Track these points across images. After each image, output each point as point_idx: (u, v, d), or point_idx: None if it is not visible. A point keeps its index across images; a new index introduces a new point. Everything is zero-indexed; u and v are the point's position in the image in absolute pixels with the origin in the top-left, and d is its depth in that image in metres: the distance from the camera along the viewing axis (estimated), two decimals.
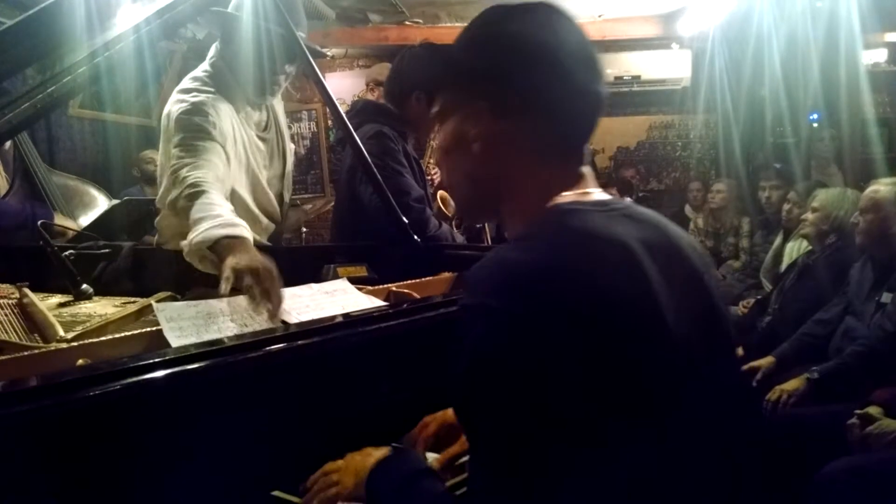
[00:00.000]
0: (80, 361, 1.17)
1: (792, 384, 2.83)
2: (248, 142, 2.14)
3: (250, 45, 2.05)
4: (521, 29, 0.98)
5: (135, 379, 1.01)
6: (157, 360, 1.06)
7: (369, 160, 2.14)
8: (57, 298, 1.79)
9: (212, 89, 2.05)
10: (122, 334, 1.28)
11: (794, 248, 3.97)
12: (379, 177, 2.13)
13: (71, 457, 0.95)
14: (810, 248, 3.60)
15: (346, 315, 1.42)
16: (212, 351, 1.14)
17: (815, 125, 5.81)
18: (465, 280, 0.89)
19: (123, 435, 1.00)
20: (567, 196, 0.97)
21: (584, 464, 0.81)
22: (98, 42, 1.72)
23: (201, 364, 1.10)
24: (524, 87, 0.96)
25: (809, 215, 3.45)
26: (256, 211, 2.17)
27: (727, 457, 0.97)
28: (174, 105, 2.01)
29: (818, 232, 3.40)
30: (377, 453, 1.13)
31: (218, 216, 1.66)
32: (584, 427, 0.80)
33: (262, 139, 2.21)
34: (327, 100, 2.11)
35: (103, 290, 1.86)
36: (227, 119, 2.03)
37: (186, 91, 2.04)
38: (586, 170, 1.01)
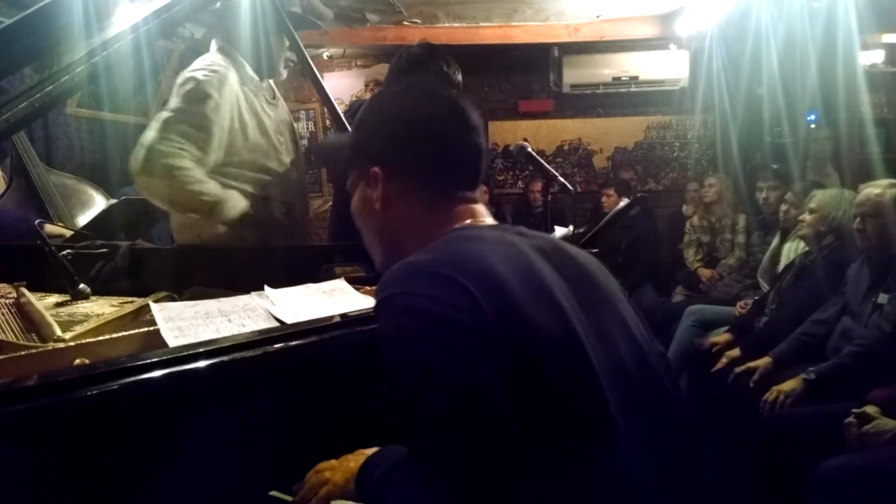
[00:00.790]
0: (78, 361, 1.17)
1: (789, 384, 2.83)
2: (261, 109, 2.28)
3: (248, 29, 2.16)
4: (396, 107, 1.21)
5: (132, 378, 1.01)
6: (154, 359, 1.06)
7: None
8: (54, 298, 1.79)
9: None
10: (120, 334, 1.28)
11: (792, 249, 3.97)
12: None
13: (68, 456, 0.95)
14: (807, 248, 3.60)
15: (343, 315, 1.42)
16: (209, 351, 1.14)
17: (813, 125, 5.82)
18: (377, 286, 1.01)
19: (120, 434, 1.01)
20: (463, 223, 1.15)
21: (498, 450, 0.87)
22: (96, 41, 1.72)
23: (199, 364, 1.11)
24: (404, 152, 1.16)
25: (807, 216, 3.45)
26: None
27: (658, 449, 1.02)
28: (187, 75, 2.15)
29: (815, 233, 3.40)
30: (369, 452, 1.17)
31: None
32: (490, 397, 0.88)
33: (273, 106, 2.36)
34: (325, 99, 2.11)
35: (100, 290, 1.86)
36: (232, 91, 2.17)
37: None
38: (480, 207, 1.19)
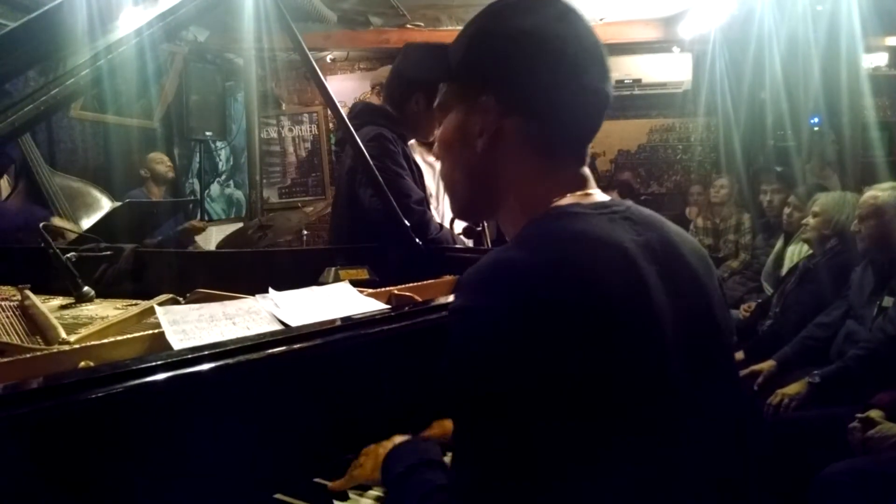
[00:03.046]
0: (83, 364, 1.16)
1: (793, 388, 2.83)
2: None
3: None
4: (532, 23, 0.95)
5: (137, 381, 1.01)
6: (159, 362, 1.06)
7: (370, 162, 2.14)
8: (58, 300, 1.79)
9: None
10: (125, 336, 1.28)
11: (796, 252, 3.97)
12: (380, 179, 2.13)
13: (73, 459, 0.95)
14: (811, 251, 3.60)
15: (347, 318, 1.42)
16: (214, 354, 1.14)
17: (816, 129, 5.82)
18: (458, 283, 0.88)
19: (125, 437, 1.00)
20: (568, 198, 0.95)
21: (569, 470, 0.78)
22: (100, 45, 1.72)
23: (203, 367, 1.10)
24: (533, 83, 0.94)
25: (810, 220, 3.45)
26: None
27: (724, 465, 0.95)
28: None
29: (819, 236, 3.40)
30: (398, 440, 1.13)
31: None
32: (567, 432, 0.77)
33: None
34: (328, 101, 2.10)
35: (105, 293, 1.86)
36: None
37: None
38: (587, 171, 1.00)
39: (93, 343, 1.23)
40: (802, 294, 3.38)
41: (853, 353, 2.77)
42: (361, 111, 2.61)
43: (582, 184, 0.98)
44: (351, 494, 1.19)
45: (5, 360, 1.11)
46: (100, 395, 0.96)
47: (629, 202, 0.99)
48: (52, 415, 0.92)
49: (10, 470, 0.88)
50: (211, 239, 5.29)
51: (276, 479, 1.18)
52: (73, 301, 1.76)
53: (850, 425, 2.37)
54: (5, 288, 1.83)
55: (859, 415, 2.38)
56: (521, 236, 0.92)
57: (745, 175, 5.69)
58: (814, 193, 3.69)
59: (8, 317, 1.61)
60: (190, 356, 1.11)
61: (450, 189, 1.06)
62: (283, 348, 1.22)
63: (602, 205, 0.95)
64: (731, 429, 0.96)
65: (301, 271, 1.88)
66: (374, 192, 2.23)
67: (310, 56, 2.04)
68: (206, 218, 6.07)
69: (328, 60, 6.83)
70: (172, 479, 1.04)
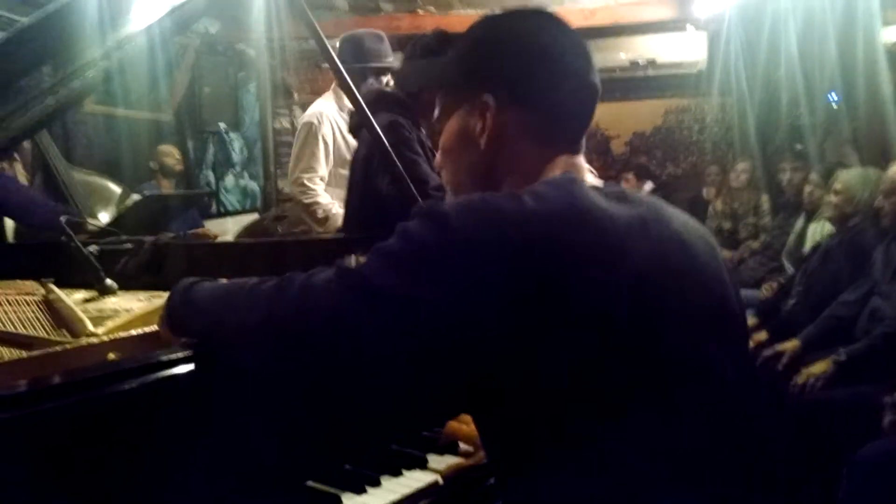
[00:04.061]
0: (111, 356, 1.16)
1: (819, 367, 2.80)
2: None
3: None
4: (522, 27, 1.06)
5: (169, 373, 1.00)
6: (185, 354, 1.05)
7: (389, 148, 2.12)
8: (81, 294, 1.79)
9: None
10: (151, 328, 1.28)
11: (817, 230, 3.92)
12: (399, 165, 2.11)
13: (107, 451, 0.94)
14: (833, 229, 3.55)
15: None
16: None
17: (834, 106, 5.74)
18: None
19: (156, 429, 1.00)
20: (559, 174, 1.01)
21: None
22: (113, 39, 1.72)
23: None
24: (527, 78, 1.02)
25: (832, 198, 3.39)
26: None
27: (724, 432, 0.94)
28: None
29: (841, 214, 3.35)
30: None
31: None
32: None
33: None
34: (345, 88, 2.09)
35: (126, 285, 1.86)
36: None
37: None
38: (582, 160, 1.06)
39: (121, 335, 1.23)
40: (825, 273, 3.33)
41: (880, 331, 2.74)
42: (375, 98, 2.59)
43: (579, 170, 1.04)
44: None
45: (35, 353, 1.11)
46: (133, 386, 0.96)
47: (624, 187, 1.05)
48: (86, 407, 0.91)
49: (42, 464, 0.88)
50: (228, 230, 5.31)
51: (310, 467, 1.17)
52: (95, 294, 1.76)
53: (883, 409, 2.33)
54: (27, 283, 1.83)
55: (888, 398, 2.34)
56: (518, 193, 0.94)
57: (760, 154, 5.62)
58: (834, 171, 3.64)
59: (33, 311, 1.61)
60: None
61: (455, 191, 1.10)
62: None
63: (595, 186, 0.99)
64: (728, 397, 0.96)
65: (321, 260, 1.87)
66: (392, 180, 2.22)
67: (326, 42, 2.02)
68: (222, 209, 6.08)
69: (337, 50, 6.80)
70: (204, 468, 1.04)
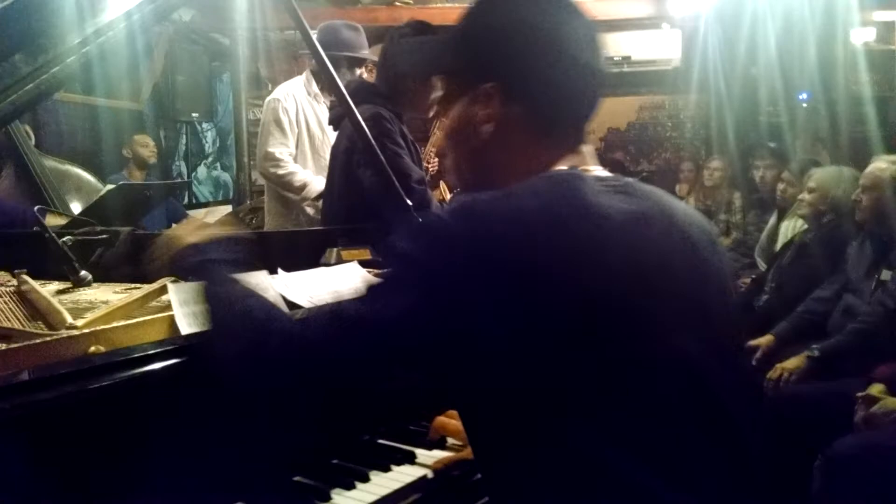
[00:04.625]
0: (93, 349, 1.14)
1: (793, 362, 2.84)
2: None
3: None
4: (526, 9, 1.01)
5: (157, 365, 0.98)
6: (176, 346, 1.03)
7: (372, 141, 2.10)
8: (55, 285, 1.75)
9: None
10: (133, 320, 1.25)
11: (790, 227, 3.97)
12: (382, 158, 2.10)
13: (95, 445, 0.92)
14: (806, 226, 3.60)
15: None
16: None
17: (804, 104, 5.82)
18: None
19: (144, 423, 0.98)
20: (564, 168, 1.00)
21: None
22: (92, 25, 1.68)
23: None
24: (532, 65, 0.99)
25: (806, 195, 3.43)
26: None
27: (715, 428, 0.94)
28: None
29: (815, 211, 3.39)
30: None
31: None
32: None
33: None
34: (329, 79, 2.07)
35: (101, 277, 1.82)
36: None
37: None
38: (587, 148, 1.04)
39: (103, 327, 1.20)
40: (798, 269, 3.38)
41: (852, 327, 2.78)
42: (357, 89, 2.57)
43: (583, 160, 1.02)
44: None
45: (16, 345, 1.08)
46: (118, 380, 0.94)
47: (630, 179, 1.02)
48: (76, 400, 0.89)
49: (30, 459, 0.85)
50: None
51: (295, 462, 1.16)
52: (70, 286, 1.72)
53: (856, 405, 2.37)
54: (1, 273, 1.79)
55: (860, 393, 2.38)
56: (515, 190, 0.94)
57: (735, 151, 5.68)
58: (808, 169, 3.68)
59: (5, 302, 1.57)
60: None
61: (459, 180, 1.11)
62: None
63: (600, 178, 0.99)
64: (725, 396, 0.95)
65: (301, 252, 1.85)
66: (374, 172, 2.20)
67: (309, 30, 2.00)
68: (194, 201, 6.00)
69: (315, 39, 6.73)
70: (188, 461, 1.02)
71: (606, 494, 0.85)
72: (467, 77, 1.03)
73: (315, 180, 3.15)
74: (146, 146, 4.80)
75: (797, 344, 2.99)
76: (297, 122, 3.30)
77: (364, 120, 2.31)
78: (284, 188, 3.25)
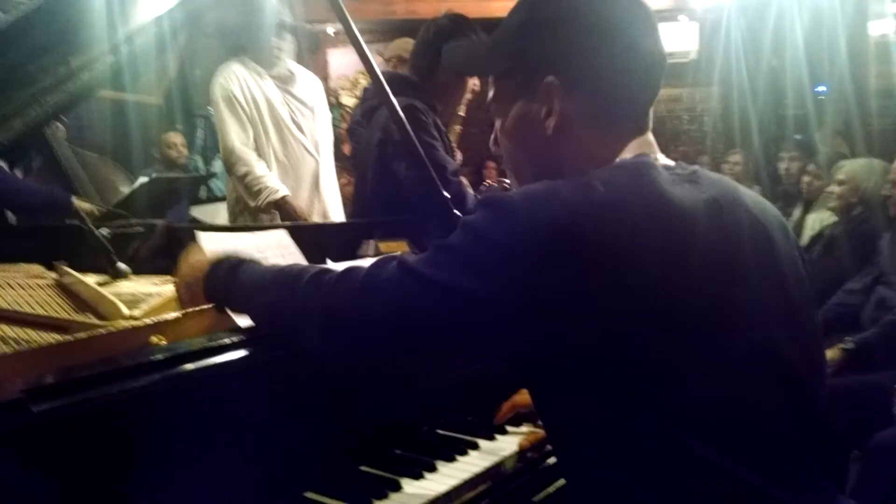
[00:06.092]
0: (154, 339, 1.12)
1: (827, 355, 2.81)
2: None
3: None
4: (577, 3, 0.99)
5: (225, 357, 0.97)
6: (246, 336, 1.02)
7: (411, 133, 2.08)
8: (91, 278, 1.74)
9: None
10: (191, 309, 1.23)
11: (817, 220, 3.94)
12: (421, 150, 2.08)
13: (175, 431, 0.92)
14: (834, 219, 3.57)
15: None
16: None
17: (822, 97, 5.78)
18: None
19: (216, 410, 0.97)
20: (630, 157, 0.98)
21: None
22: (124, 31, 1.68)
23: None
24: (593, 57, 0.96)
25: (836, 188, 3.40)
26: None
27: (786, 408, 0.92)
28: None
29: (845, 204, 3.36)
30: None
31: None
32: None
33: None
34: (370, 70, 2.05)
35: (138, 269, 1.81)
36: None
37: None
38: (651, 137, 1.03)
39: (163, 317, 1.19)
40: (829, 262, 3.35)
41: (888, 319, 2.75)
42: (390, 81, 2.55)
43: (649, 148, 1.01)
44: None
45: (83, 335, 1.07)
46: (197, 369, 0.93)
47: (696, 167, 1.00)
48: (160, 388, 0.89)
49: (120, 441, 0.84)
50: (218, 216, 5.22)
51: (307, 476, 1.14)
52: (107, 279, 1.71)
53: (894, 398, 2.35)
54: (32, 266, 1.78)
55: None
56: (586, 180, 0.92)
57: (756, 144, 5.64)
58: (835, 161, 3.65)
59: (48, 294, 1.56)
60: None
61: (518, 179, 1.08)
62: None
63: (667, 166, 0.97)
64: (800, 387, 0.94)
65: (333, 245, 1.84)
66: (410, 165, 2.19)
67: (352, 24, 1.98)
68: (211, 195, 5.98)
69: (330, 33, 6.71)
70: (258, 451, 1.02)
71: (682, 475, 0.85)
72: (524, 74, 1.01)
73: (274, 187, 2.93)
74: (174, 147, 4.74)
75: (831, 336, 2.95)
76: (247, 103, 3.01)
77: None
78: (242, 188, 2.99)
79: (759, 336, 0.90)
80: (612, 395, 0.86)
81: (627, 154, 0.98)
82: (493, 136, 1.10)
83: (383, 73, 2.66)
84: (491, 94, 1.08)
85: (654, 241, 0.85)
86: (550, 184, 0.90)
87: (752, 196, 1.01)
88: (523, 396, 1.29)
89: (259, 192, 2.91)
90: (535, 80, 0.98)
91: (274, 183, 2.92)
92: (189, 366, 0.95)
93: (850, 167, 3.40)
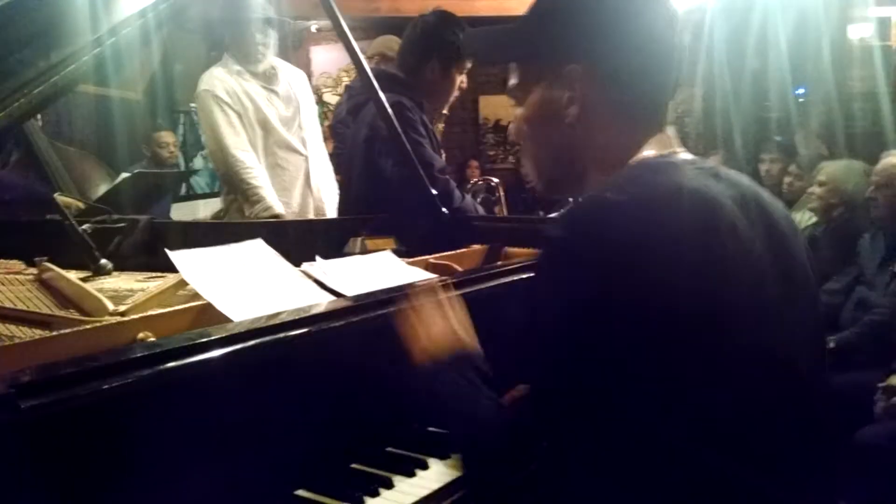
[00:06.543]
0: (141, 335, 1.11)
1: None
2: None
3: None
4: None
5: (218, 352, 0.96)
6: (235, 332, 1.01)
7: (398, 129, 2.07)
8: (72, 274, 1.71)
9: None
10: (179, 307, 1.22)
11: (798, 221, 3.98)
12: (408, 147, 2.07)
13: (159, 428, 0.90)
14: (814, 220, 3.60)
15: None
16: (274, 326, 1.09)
17: (801, 100, 5.83)
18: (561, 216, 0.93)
19: (205, 408, 0.95)
20: (654, 154, 0.97)
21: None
22: (107, 23, 1.66)
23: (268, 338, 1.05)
24: (618, 45, 0.95)
25: (817, 189, 3.43)
26: None
27: (801, 407, 0.93)
28: None
29: (826, 205, 3.39)
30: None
31: None
32: (624, 372, 0.82)
33: None
34: (359, 68, 2.04)
35: (120, 265, 1.78)
36: None
37: None
38: (671, 131, 1.02)
39: (149, 313, 1.17)
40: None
41: (868, 319, 2.79)
42: (377, 78, 2.53)
43: (667, 143, 0.99)
44: None
45: (68, 331, 1.05)
46: (182, 365, 0.91)
47: (713, 161, 1.02)
48: (146, 386, 0.87)
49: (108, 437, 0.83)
50: (198, 213, 5.17)
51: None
52: (89, 274, 1.69)
53: (875, 396, 2.38)
54: (12, 262, 1.75)
55: (881, 384, 2.39)
56: (618, 183, 0.92)
57: (739, 146, 5.69)
58: (816, 163, 3.69)
59: (29, 290, 1.54)
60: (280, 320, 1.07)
61: (535, 167, 1.06)
62: (365, 316, 1.17)
63: (690, 161, 0.97)
64: (811, 373, 0.95)
65: (323, 242, 1.83)
66: (397, 162, 2.18)
67: (341, 18, 1.97)
68: (191, 192, 5.94)
69: (313, 30, 6.68)
70: (248, 448, 1.01)
71: (683, 475, 0.84)
72: (547, 60, 0.99)
73: (270, 204, 2.88)
74: (166, 146, 4.69)
75: None
76: (235, 105, 2.95)
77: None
78: (243, 197, 2.92)
79: (764, 337, 0.89)
80: (613, 395, 0.85)
81: (649, 149, 0.97)
82: (510, 125, 1.09)
83: (372, 69, 2.66)
84: (512, 81, 1.06)
85: (696, 254, 0.85)
86: (586, 205, 0.92)
87: (767, 193, 1.01)
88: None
89: (255, 203, 2.87)
90: (559, 66, 0.97)
91: (270, 197, 2.87)
92: (178, 362, 0.93)
93: (830, 169, 3.43)
